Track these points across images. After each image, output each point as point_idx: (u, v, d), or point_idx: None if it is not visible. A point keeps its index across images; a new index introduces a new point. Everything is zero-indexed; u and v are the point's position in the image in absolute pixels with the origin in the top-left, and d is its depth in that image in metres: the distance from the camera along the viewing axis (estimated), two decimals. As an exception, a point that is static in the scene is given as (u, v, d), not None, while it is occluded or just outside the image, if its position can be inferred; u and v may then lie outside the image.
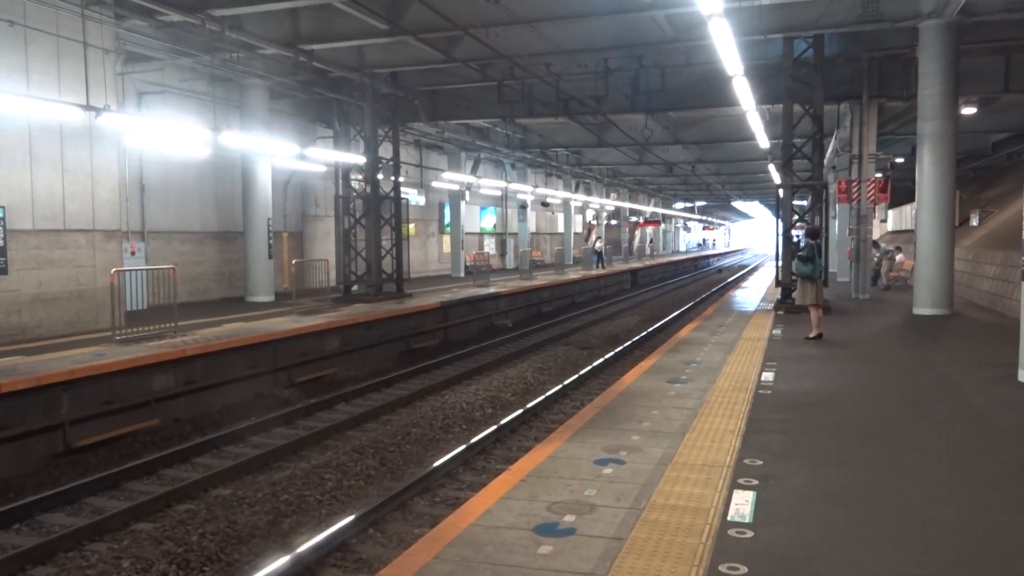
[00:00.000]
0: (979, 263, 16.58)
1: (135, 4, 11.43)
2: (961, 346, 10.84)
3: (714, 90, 16.99)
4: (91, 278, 12.26)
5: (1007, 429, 6.44)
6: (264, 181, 17.52)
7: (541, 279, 24.87)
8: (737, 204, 69.56)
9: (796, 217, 15.59)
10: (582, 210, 45.56)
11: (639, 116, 19.62)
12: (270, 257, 17.72)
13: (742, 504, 4.53)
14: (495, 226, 36.24)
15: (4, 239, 11.04)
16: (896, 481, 5.03)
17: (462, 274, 27.22)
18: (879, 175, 17.37)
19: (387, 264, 18.46)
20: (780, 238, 15.53)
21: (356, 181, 18.62)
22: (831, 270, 20.17)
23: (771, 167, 29.14)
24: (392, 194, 18.53)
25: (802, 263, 11.50)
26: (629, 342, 16.06)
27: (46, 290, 11.63)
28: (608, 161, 33.99)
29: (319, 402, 11.03)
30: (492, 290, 20.26)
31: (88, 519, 6.85)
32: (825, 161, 18.62)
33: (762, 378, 8.36)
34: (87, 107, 10.58)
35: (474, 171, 28.41)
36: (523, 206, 35.79)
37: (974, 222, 20.71)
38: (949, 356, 9.92)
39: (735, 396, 7.47)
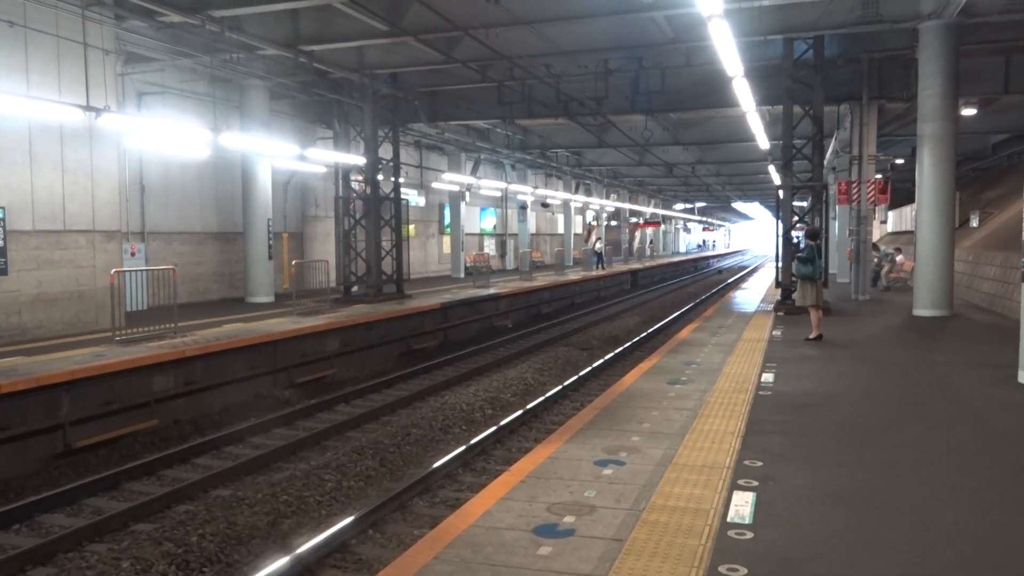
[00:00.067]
0: (979, 264, 16.58)
1: (135, 5, 11.43)
2: (961, 347, 10.84)
3: (714, 91, 17.00)
4: (91, 279, 12.26)
5: (1007, 430, 6.44)
6: (264, 182, 17.52)
7: (541, 280, 24.87)
8: (737, 205, 69.58)
9: (796, 218, 15.58)
10: (582, 211, 45.57)
11: (639, 117, 19.62)
12: (270, 258, 17.72)
13: (742, 505, 4.53)
14: (495, 227, 36.25)
15: (4, 240, 11.04)
16: (896, 482, 5.03)
17: (462, 275, 27.22)
18: (879, 176, 17.38)
19: (387, 265, 18.46)
20: (780, 239, 15.53)
21: (356, 182, 18.62)
22: (831, 271, 20.17)
23: (771, 168, 29.15)
24: (392, 195, 18.53)
25: (802, 264, 11.49)
26: (629, 343, 16.06)
27: (46, 291, 11.63)
28: (608, 162, 34.00)
29: (319, 403, 11.03)
30: (492, 291, 20.26)
31: (88, 520, 6.85)
32: (825, 162, 18.63)
33: (762, 379, 8.36)
34: (87, 108, 10.59)
35: (474, 172, 28.42)
36: (523, 207, 35.80)
37: (974, 223, 20.71)
38: (949, 357, 9.92)
39: (735, 397, 7.47)
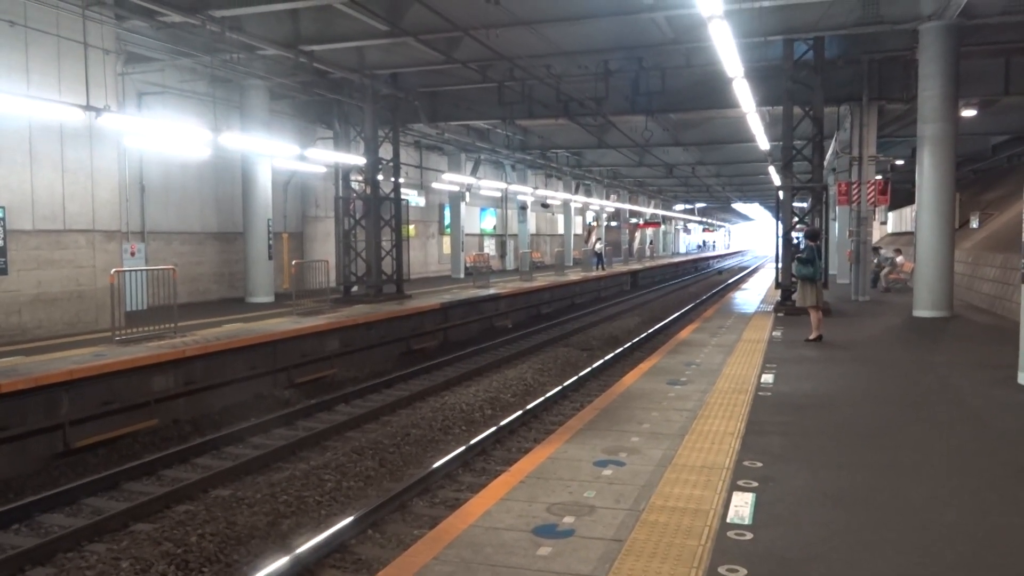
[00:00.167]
0: (979, 265, 16.58)
1: (135, 5, 11.43)
2: (961, 348, 10.84)
3: (714, 92, 17.00)
4: (91, 279, 12.26)
5: (1007, 431, 6.43)
6: (264, 182, 17.52)
7: (541, 280, 24.87)
8: (737, 206, 69.57)
9: (796, 219, 15.59)
10: (582, 211, 45.57)
11: (639, 118, 19.62)
12: (270, 258, 17.72)
13: (741, 506, 4.53)
14: (495, 227, 36.26)
15: (4, 239, 11.04)
16: (896, 483, 5.03)
17: (462, 275, 27.22)
18: (879, 177, 17.37)
19: (387, 265, 18.46)
20: (780, 240, 15.53)
21: (356, 182, 18.63)
22: (831, 272, 20.16)
23: (771, 169, 29.15)
24: (392, 195, 18.53)
25: (802, 265, 11.49)
26: (629, 343, 16.06)
27: (46, 290, 11.63)
28: (608, 162, 34.02)
29: (319, 403, 11.03)
30: (492, 291, 20.26)
31: (87, 520, 6.85)
32: (825, 163, 18.63)
33: (762, 380, 8.36)
34: (87, 107, 10.59)
35: (474, 172, 28.42)
36: (523, 207, 35.80)
37: (974, 224, 20.71)
38: (949, 358, 9.92)
39: (735, 398, 7.47)
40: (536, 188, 33.55)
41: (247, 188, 17.46)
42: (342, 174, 18.49)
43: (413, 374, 13.24)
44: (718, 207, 72.06)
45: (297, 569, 5.58)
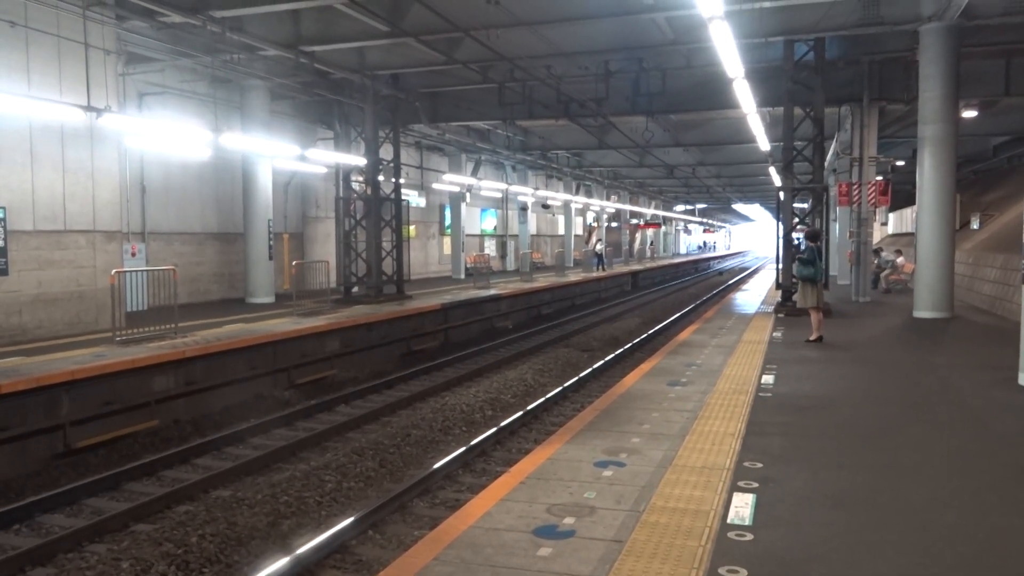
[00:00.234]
0: (979, 266, 16.58)
1: (136, 5, 11.44)
2: (961, 349, 10.84)
3: (715, 92, 17.00)
4: (91, 279, 12.27)
5: (1007, 432, 6.43)
6: (265, 182, 17.53)
7: (542, 281, 24.87)
8: (738, 207, 69.58)
9: (796, 220, 15.58)
10: (583, 212, 45.56)
11: (640, 118, 19.61)
12: (270, 258, 17.72)
13: (742, 507, 4.53)
14: (495, 228, 36.25)
15: (5, 240, 11.05)
16: (896, 484, 5.03)
17: (462, 276, 27.22)
18: (880, 178, 17.36)
19: (387, 266, 18.46)
20: (780, 241, 15.53)
21: (357, 183, 18.62)
22: (831, 273, 20.16)
23: (772, 170, 29.16)
24: (393, 196, 18.53)
25: (803, 266, 11.49)
26: (629, 344, 16.06)
27: (46, 291, 11.63)
28: (609, 163, 34.01)
29: (319, 403, 11.03)
30: (492, 292, 20.26)
31: (88, 520, 6.85)
32: (826, 164, 18.63)
33: (762, 381, 8.36)
34: (88, 108, 10.60)
35: (475, 173, 28.42)
36: (524, 208, 35.79)
37: (975, 225, 20.70)
38: (949, 359, 9.92)
39: (735, 399, 7.47)
40: (537, 189, 33.55)
41: (247, 188, 17.47)
42: (343, 175, 18.49)
43: (413, 375, 13.24)
44: (719, 208, 72.04)
45: (298, 570, 5.58)
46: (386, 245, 18.37)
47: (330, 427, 9.73)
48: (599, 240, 34.04)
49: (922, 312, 13.58)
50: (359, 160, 17.94)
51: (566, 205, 39.27)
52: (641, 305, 26.41)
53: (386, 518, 6.71)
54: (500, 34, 13.00)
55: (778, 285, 15.90)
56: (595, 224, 43.47)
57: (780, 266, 15.55)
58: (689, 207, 65.60)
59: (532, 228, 38.31)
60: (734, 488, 4.85)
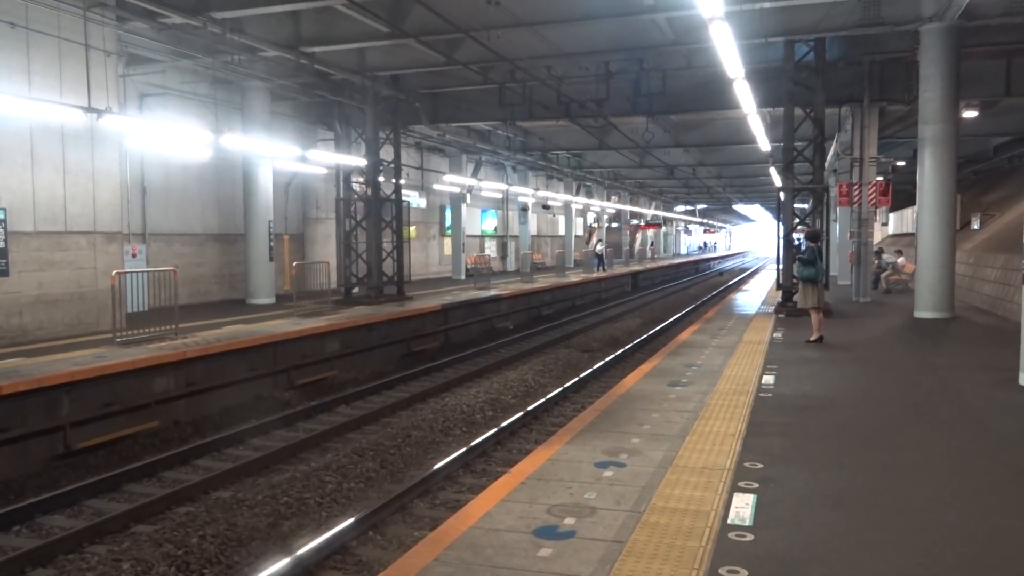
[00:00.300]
0: (980, 266, 16.57)
1: (137, 6, 11.45)
2: (962, 350, 10.84)
3: (715, 93, 17.00)
4: (92, 280, 12.27)
5: (1008, 433, 6.43)
6: (265, 183, 17.53)
7: (542, 282, 24.87)
8: (738, 207, 69.57)
9: (797, 220, 15.58)
10: (583, 213, 45.57)
11: (640, 119, 19.62)
12: (271, 259, 17.73)
13: (742, 507, 4.52)
14: (496, 229, 36.25)
15: (5, 241, 11.05)
16: (897, 484, 5.02)
17: (463, 277, 27.22)
18: (880, 178, 17.36)
19: (388, 266, 18.46)
20: (781, 241, 15.53)
21: (357, 183, 18.63)
22: (832, 273, 20.16)
23: (772, 170, 29.15)
24: (393, 196, 18.54)
25: (803, 266, 11.49)
26: (630, 345, 16.06)
27: (47, 292, 11.64)
28: (609, 164, 34.02)
29: (319, 404, 11.03)
30: (493, 293, 20.26)
31: (88, 521, 6.85)
32: (826, 164, 18.63)
33: (763, 381, 8.35)
34: (89, 109, 10.61)
35: (475, 174, 28.43)
36: (524, 209, 35.80)
37: (975, 225, 20.70)
38: (950, 360, 9.91)
39: (736, 399, 7.47)
40: (537, 189, 33.56)
41: (248, 190, 17.47)
42: (343, 175, 18.50)
43: (414, 375, 13.24)
44: (719, 208, 72.06)
45: (298, 571, 5.58)
46: (386, 246, 18.37)
47: (330, 428, 9.73)
48: (599, 241, 34.04)
49: (923, 312, 13.57)
50: (359, 161, 17.94)
51: (566, 206, 39.28)
52: (641, 306, 26.41)
53: (386, 519, 6.71)
54: (500, 35, 13.00)
55: (778, 286, 15.89)
56: (595, 225, 43.48)
57: (780, 267, 15.54)
58: (689, 208, 65.61)
59: (532, 229, 38.31)
60: (734, 488, 4.85)
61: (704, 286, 37.29)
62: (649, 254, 49.76)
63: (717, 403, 7.31)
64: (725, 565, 3.74)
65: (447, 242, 30.57)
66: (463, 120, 20.65)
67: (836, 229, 23.24)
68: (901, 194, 26.43)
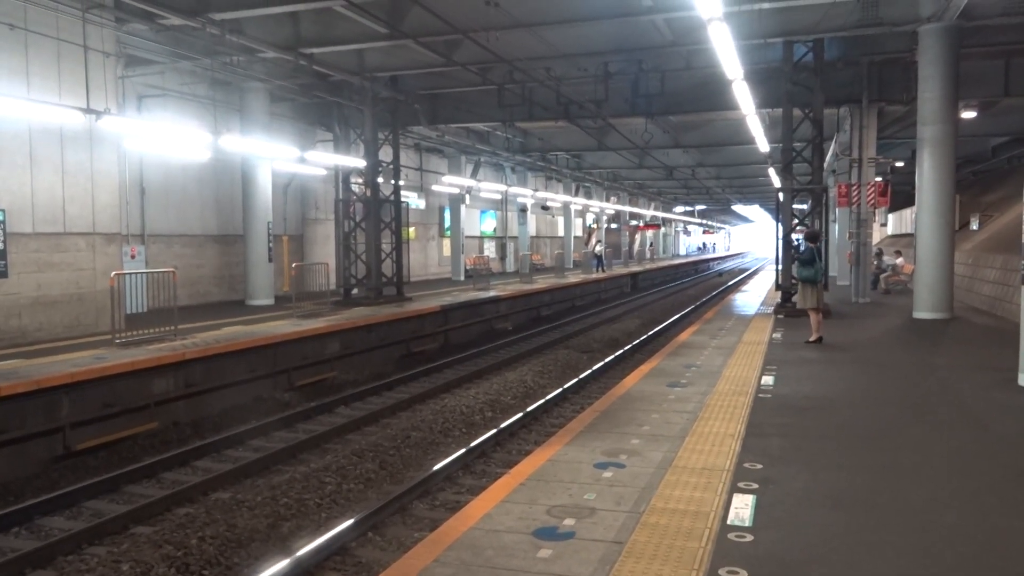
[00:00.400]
0: (979, 267, 16.58)
1: (135, 8, 11.44)
2: (961, 350, 10.84)
3: (714, 94, 17.01)
4: (91, 281, 12.26)
5: (1007, 433, 6.43)
6: (264, 184, 17.53)
7: (541, 283, 24.87)
8: (737, 208, 69.59)
9: (796, 221, 15.59)
10: (582, 214, 45.58)
11: (639, 120, 19.63)
12: (270, 260, 17.73)
13: (742, 508, 4.52)
14: (495, 230, 36.26)
15: (4, 242, 11.04)
16: (896, 485, 5.03)
17: (462, 278, 27.23)
18: (879, 179, 17.37)
19: (387, 267, 18.46)
20: (780, 242, 15.53)
21: (356, 184, 18.64)
22: (831, 274, 20.17)
23: (771, 171, 29.14)
24: (392, 197, 18.54)
25: (803, 267, 11.50)
26: (629, 346, 16.06)
27: (46, 293, 11.63)
28: (608, 165, 34.03)
29: (319, 405, 11.02)
30: (492, 294, 20.26)
31: (87, 522, 6.85)
32: (825, 165, 18.63)
33: (762, 382, 8.36)
34: (87, 110, 10.62)
35: (474, 175, 28.43)
36: (523, 210, 35.80)
37: (974, 226, 20.71)
38: (949, 360, 9.91)
39: (735, 400, 7.47)
40: (536, 190, 33.57)
41: (247, 191, 17.47)
42: (342, 176, 18.51)
43: (413, 376, 13.24)
44: (718, 209, 72.09)
45: (298, 572, 5.58)
46: (386, 247, 18.37)
47: (330, 429, 9.73)
48: (598, 242, 34.06)
49: (922, 313, 13.58)
50: (358, 162, 17.94)
51: (565, 207, 39.28)
52: (641, 307, 26.41)
53: (386, 520, 6.71)
54: (499, 36, 13.00)
55: (778, 286, 15.90)
56: (594, 226, 43.52)
57: (779, 267, 15.55)
58: (688, 208, 65.62)
59: (532, 230, 38.32)
60: (734, 489, 4.85)
61: (703, 287, 37.29)
62: (648, 255, 49.80)
63: (716, 404, 7.31)
64: (725, 566, 3.75)
65: (446, 243, 30.57)
66: (462, 121, 20.66)
67: (835, 230, 23.25)
68: (900, 195, 26.45)
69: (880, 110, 17.24)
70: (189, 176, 17.52)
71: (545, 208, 37.72)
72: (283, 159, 17.89)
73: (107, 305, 11.25)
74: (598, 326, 20.52)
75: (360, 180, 18.56)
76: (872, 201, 16.94)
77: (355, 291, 18.29)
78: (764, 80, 15.57)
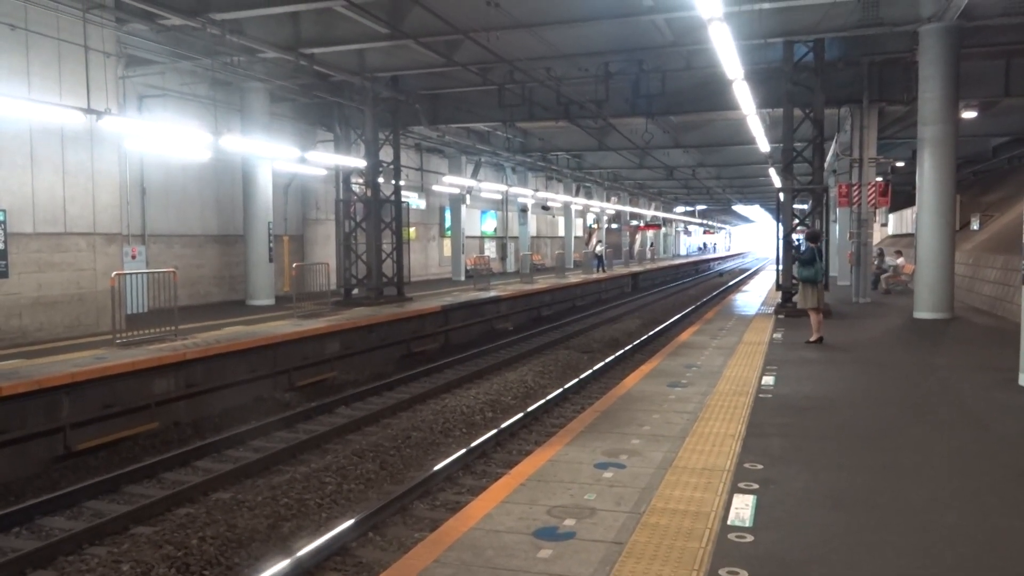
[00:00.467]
0: (980, 267, 16.57)
1: (136, 8, 11.45)
2: (962, 350, 10.84)
3: (714, 94, 17.00)
4: (92, 281, 12.27)
5: (1007, 434, 6.43)
6: (265, 184, 17.54)
7: (542, 283, 24.87)
8: (738, 208, 69.58)
9: (796, 221, 15.59)
10: (583, 214, 45.58)
11: (639, 120, 19.62)
12: (271, 260, 17.73)
13: (742, 508, 4.52)
14: (496, 230, 36.27)
15: (5, 242, 11.05)
16: (896, 485, 5.03)
17: (463, 278, 27.23)
18: (880, 179, 17.37)
19: (387, 268, 18.46)
20: (780, 242, 15.53)
21: (357, 185, 18.64)
22: (831, 274, 20.17)
23: (772, 171, 29.15)
24: (393, 198, 18.54)
25: (803, 267, 11.50)
26: (629, 346, 16.06)
27: (46, 293, 11.63)
28: (609, 165, 34.03)
29: (319, 405, 11.02)
30: (493, 294, 20.26)
31: (88, 523, 6.85)
32: (826, 165, 18.63)
33: (762, 382, 8.35)
34: (88, 110, 10.62)
35: (475, 175, 28.43)
36: (524, 210, 35.80)
37: (975, 226, 20.70)
38: (950, 360, 9.91)
39: (735, 400, 7.47)
40: (537, 190, 33.57)
41: (248, 191, 17.48)
42: (343, 177, 18.51)
43: (414, 377, 13.24)
44: (719, 209, 72.07)
45: (298, 572, 5.58)
46: (386, 247, 18.38)
47: (330, 429, 9.73)
48: (599, 242, 34.04)
49: (922, 313, 13.58)
50: (359, 162, 17.95)
51: (566, 207, 39.28)
52: (641, 307, 26.41)
53: (386, 520, 6.71)
54: (500, 36, 13.01)
55: (778, 286, 15.90)
56: (595, 226, 43.51)
57: (780, 267, 15.55)
58: (689, 208, 65.61)
59: (532, 230, 38.31)
60: (734, 489, 4.85)
61: (704, 287, 37.29)
62: (649, 255, 49.78)
63: (717, 404, 7.31)
64: (725, 566, 3.75)
65: (447, 243, 30.57)
66: (462, 121, 20.66)
67: (836, 230, 23.25)
68: (900, 195, 26.44)
69: (881, 110, 17.23)
70: (190, 176, 17.52)
71: (546, 208, 37.72)
72: (284, 159, 17.89)
73: (108, 305, 11.26)
74: (599, 326, 20.52)
75: (361, 180, 18.56)
76: (872, 201, 16.93)
77: (355, 291, 18.29)
78: (764, 80, 15.57)
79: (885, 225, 31.15)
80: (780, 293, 15.60)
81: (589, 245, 33.91)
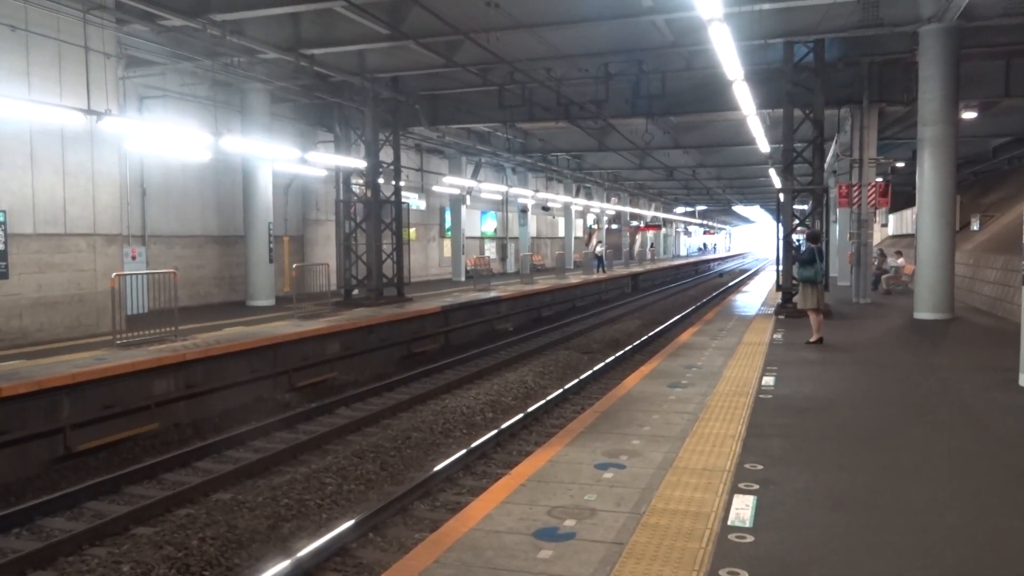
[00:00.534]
0: (980, 267, 16.57)
1: (136, 8, 11.45)
2: (962, 350, 10.84)
3: (714, 95, 17.00)
4: (92, 282, 12.27)
5: (1008, 434, 6.43)
6: (265, 185, 17.54)
7: (542, 283, 24.87)
8: (738, 208, 69.59)
9: (797, 221, 15.59)
10: (583, 214, 45.58)
11: (640, 120, 19.62)
12: (271, 261, 17.73)
13: (742, 508, 4.52)
14: (496, 230, 36.28)
15: (5, 243, 11.05)
16: (897, 485, 5.02)
17: (463, 278, 27.23)
18: (880, 179, 17.37)
19: (388, 268, 18.46)
20: (780, 242, 15.53)
21: (357, 185, 18.64)
22: (832, 274, 20.16)
23: (772, 171, 29.16)
24: (393, 198, 18.55)
25: (803, 267, 11.50)
26: (630, 346, 16.06)
27: (47, 294, 11.64)
28: (609, 165, 34.04)
29: (319, 406, 11.02)
30: (493, 294, 20.26)
31: (88, 523, 6.85)
32: (826, 165, 18.63)
33: (763, 382, 8.35)
34: (88, 111, 10.62)
35: (475, 175, 28.44)
36: (524, 210, 35.80)
37: (975, 226, 20.70)
38: (950, 360, 9.91)
39: (736, 400, 7.47)
40: (537, 191, 33.57)
41: (248, 191, 17.48)
42: (343, 177, 18.51)
43: (414, 377, 13.24)
44: (719, 210, 72.04)
45: (298, 573, 5.58)
46: (386, 248, 18.38)
47: (331, 430, 9.73)
48: (599, 242, 34.04)
49: (922, 313, 13.58)
50: (359, 163, 17.95)
51: (566, 207, 39.29)
52: (641, 307, 26.41)
53: (387, 521, 6.71)
54: (500, 37, 13.01)
55: (778, 287, 15.89)
56: (595, 226, 43.49)
57: (780, 268, 15.55)
58: (689, 209, 65.61)
59: (532, 230, 38.32)
60: (735, 490, 4.85)
61: (704, 287, 37.28)
62: (649, 256, 49.77)
63: (717, 404, 7.31)
64: (725, 567, 3.74)
65: (447, 244, 30.58)
66: (463, 122, 20.66)
67: (836, 230, 23.25)
68: (901, 195, 26.44)
69: (881, 111, 17.24)
70: (190, 177, 17.53)
71: (546, 209, 37.73)
72: (284, 160, 17.89)
73: (108, 306, 11.26)
74: (599, 327, 20.51)
75: (361, 181, 18.56)
76: (873, 202, 16.93)
77: (356, 292, 18.29)
78: (765, 81, 15.58)
79: (885, 226, 31.16)
80: (780, 294, 15.59)
81: (589, 246, 33.92)
